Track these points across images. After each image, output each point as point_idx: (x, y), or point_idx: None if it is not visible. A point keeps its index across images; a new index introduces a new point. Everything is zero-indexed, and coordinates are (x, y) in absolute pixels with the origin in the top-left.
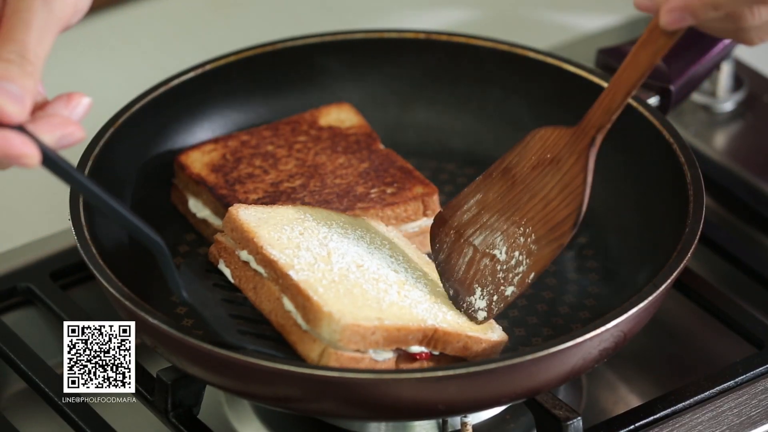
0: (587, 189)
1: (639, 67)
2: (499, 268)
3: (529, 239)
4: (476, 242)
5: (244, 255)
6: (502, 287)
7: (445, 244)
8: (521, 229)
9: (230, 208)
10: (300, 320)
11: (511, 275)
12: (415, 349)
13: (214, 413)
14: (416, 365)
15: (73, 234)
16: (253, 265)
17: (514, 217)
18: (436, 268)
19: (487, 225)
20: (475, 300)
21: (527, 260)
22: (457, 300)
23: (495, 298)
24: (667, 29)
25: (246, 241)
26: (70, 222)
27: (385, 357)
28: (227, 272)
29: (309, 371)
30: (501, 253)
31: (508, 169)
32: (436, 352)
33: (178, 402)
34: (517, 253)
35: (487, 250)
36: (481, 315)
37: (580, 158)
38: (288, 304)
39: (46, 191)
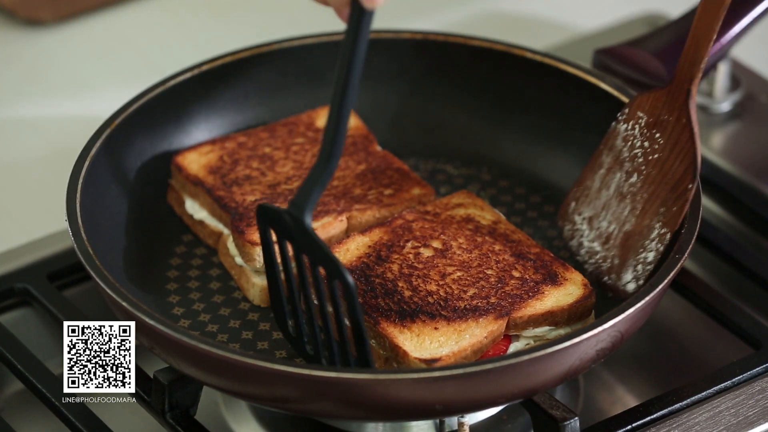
0: (697, 139)
1: (712, 12)
2: (633, 240)
3: (654, 205)
4: (604, 223)
5: None
6: (641, 256)
7: (576, 231)
8: (644, 196)
9: None
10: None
11: (647, 242)
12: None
13: (211, 414)
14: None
15: (70, 235)
16: None
17: (633, 188)
18: (576, 256)
19: (611, 202)
20: (622, 275)
21: (658, 224)
22: (600, 278)
23: (639, 267)
24: None
25: None
26: (67, 223)
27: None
28: None
29: (306, 371)
30: (630, 225)
31: (613, 145)
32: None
33: (175, 403)
34: (647, 221)
35: (618, 226)
36: (631, 286)
37: (681, 113)
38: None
39: (43, 192)
